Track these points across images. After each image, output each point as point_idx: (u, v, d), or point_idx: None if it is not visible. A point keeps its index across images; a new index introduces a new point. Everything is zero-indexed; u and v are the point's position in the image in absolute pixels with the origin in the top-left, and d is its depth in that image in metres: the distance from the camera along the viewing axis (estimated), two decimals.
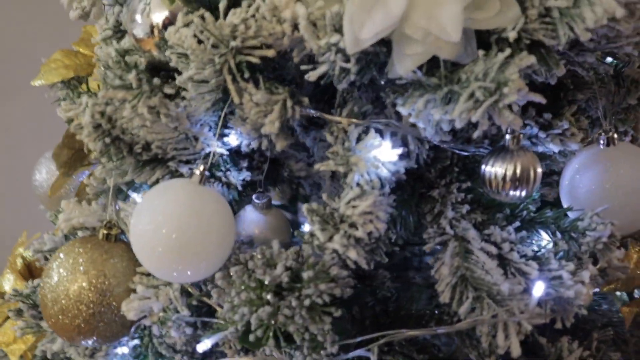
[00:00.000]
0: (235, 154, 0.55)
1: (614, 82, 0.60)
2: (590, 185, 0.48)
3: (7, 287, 0.67)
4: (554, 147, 0.50)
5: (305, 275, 0.42)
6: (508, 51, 0.39)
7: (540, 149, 0.51)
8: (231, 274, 0.44)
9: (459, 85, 0.40)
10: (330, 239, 0.43)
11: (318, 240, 0.43)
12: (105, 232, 0.51)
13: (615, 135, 0.50)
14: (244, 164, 0.56)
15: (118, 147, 0.48)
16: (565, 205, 0.51)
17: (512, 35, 0.39)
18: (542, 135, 0.50)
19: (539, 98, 0.40)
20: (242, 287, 0.43)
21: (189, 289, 0.49)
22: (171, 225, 0.44)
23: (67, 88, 0.66)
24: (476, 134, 0.41)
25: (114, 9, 0.56)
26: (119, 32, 0.56)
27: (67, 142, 0.54)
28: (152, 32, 0.52)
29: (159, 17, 0.51)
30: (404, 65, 0.42)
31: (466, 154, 0.51)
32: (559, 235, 0.48)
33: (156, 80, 0.46)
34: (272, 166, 0.59)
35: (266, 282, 0.42)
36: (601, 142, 0.50)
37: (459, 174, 0.53)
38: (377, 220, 0.44)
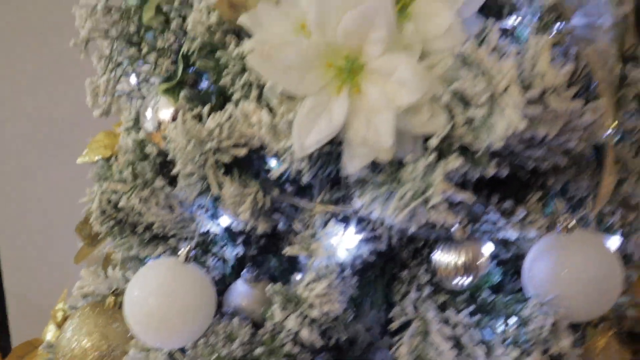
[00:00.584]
0: (231, 231, 0.62)
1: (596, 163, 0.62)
2: (546, 273, 0.50)
3: (49, 337, 0.77)
4: (513, 234, 0.53)
5: (258, 351, 0.47)
6: (433, 156, 0.43)
7: (502, 234, 0.54)
8: (198, 345, 0.50)
9: (399, 184, 0.45)
10: (287, 317, 0.48)
11: (276, 318, 0.49)
12: (112, 299, 0.58)
13: (573, 222, 0.51)
14: (240, 239, 0.62)
15: (122, 228, 0.56)
16: (526, 291, 0.53)
17: (434, 142, 0.43)
18: (502, 222, 0.53)
19: (467, 197, 0.44)
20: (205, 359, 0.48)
21: (175, 354, 0.55)
22: (153, 300, 0.50)
23: (106, 166, 0.76)
24: (411, 231, 0.45)
25: (137, 103, 0.65)
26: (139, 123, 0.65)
27: (89, 218, 0.63)
28: (159, 126, 0.60)
29: (165, 113, 0.59)
30: (352, 164, 0.47)
31: (430, 237, 0.55)
32: (512, 321, 0.50)
33: (149, 175, 0.53)
34: (273, 240, 0.65)
35: (222, 355, 0.48)
36: (558, 229, 0.52)
37: (428, 255, 0.56)
38: (333, 302, 0.49)
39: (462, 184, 0.48)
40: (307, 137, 0.45)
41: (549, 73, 0.40)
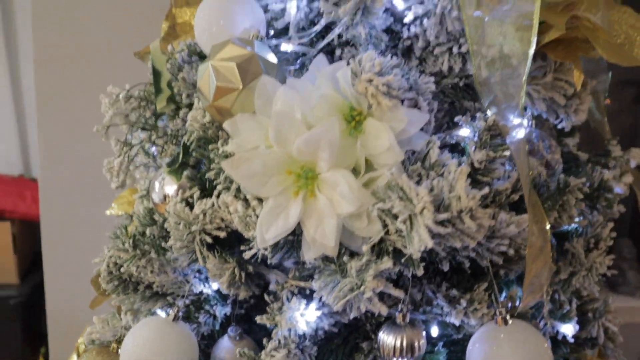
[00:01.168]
0: (221, 292, 0.71)
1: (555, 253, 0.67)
2: None
3: None
4: (455, 321, 0.59)
5: None
6: (365, 258, 0.51)
7: (449, 319, 0.60)
8: None
9: (342, 276, 0.53)
10: None
11: None
12: (115, 345, 0.69)
13: (507, 316, 0.57)
14: (230, 300, 0.71)
15: (126, 286, 0.66)
16: None
17: (365, 248, 0.51)
18: (446, 309, 0.59)
19: (397, 293, 0.51)
20: None
21: None
22: (143, 353, 0.60)
23: (122, 227, 0.87)
24: (352, 315, 0.53)
25: (152, 173, 0.76)
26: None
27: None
28: (164, 199, 0.70)
29: (170, 189, 0.69)
30: (308, 254, 0.55)
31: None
32: None
33: (146, 247, 0.63)
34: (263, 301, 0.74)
35: None
36: (495, 319, 0.58)
37: None
38: None
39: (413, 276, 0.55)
40: (267, 232, 0.54)
41: (463, 196, 0.47)
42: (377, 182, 0.52)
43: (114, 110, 0.68)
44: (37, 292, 1.76)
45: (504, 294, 0.64)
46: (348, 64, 0.54)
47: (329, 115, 0.53)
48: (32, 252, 2.22)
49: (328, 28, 0.61)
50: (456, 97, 0.63)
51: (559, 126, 0.66)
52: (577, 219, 0.69)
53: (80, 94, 1.42)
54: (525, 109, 0.65)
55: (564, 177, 0.61)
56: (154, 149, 0.70)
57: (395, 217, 0.49)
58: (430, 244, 0.46)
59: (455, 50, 0.59)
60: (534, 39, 0.49)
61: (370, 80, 0.51)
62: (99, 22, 1.40)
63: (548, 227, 0.56)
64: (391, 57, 0.56)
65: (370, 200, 0.50)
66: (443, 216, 0.46)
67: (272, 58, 0.59)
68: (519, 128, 0.54)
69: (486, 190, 0.49)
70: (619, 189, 0.71)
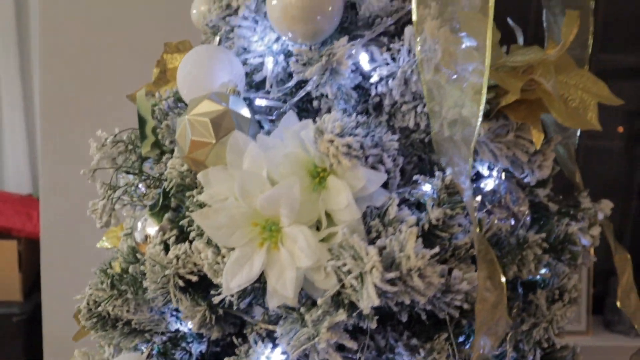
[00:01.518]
0: None
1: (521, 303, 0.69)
2: None
3: None
4: None
5: None
6: (321, 309, 0.53)
7: None
8: None
9: (301, 326, 0.56)
10: None
11: None
12: None
13: None
14: (205, 338, 0.74)
15: (104, 323, 0.69)
16: None
17: (320, 301, 0.53)
18: (406, 358, 0.62)
19: (351, 345, 0.54)
20: None
21: None
22: None
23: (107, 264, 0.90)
24: None
25: (135, 212, 0.79)
26: None
27: None
28: (146, 239, 0.73)
29: (151, 230, 0.73)
30: (271, 302, 0.58)
31: None
32: None
33: (123, 287, 0.67)
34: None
35: None
36: None
37: None
38: None
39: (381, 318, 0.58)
40: (232, 280, 0.57)
41: (412, 256, 0.50)
42: (335, 238, 0.55)
43: (102, 153, 0.72)
44: (40, 310, 1.81)
45: (469, 341, 0.66)
46: (315, 122, 0.57)
47: (293, 172, 0.56)
48: (37, 271, 2.27)
49: (304, 82, 0.65)
50: (424, 151, 0.66)
51: (525, 180, 0.69)
52: (542, 271, 0.71)
53: (83, 116, 1.47)
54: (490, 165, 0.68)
55: (522, 232, 0.63)
56: (140, 189, 0.73)
57: (349, 272, 0.52)
58: (377, 301, 0.49)
59: (419, 108, 0.62)
60: (483, 103, 0.52)
61: (331, 141, 0.54)
62: (103, 52, 1.45)
63: (503, 280, 0.58)
64: (357, 115, 0.60)
65: (327, 255, 0.53)
66: (391, 275, 0.49)
67: (245, 112, 0.62)
68: (469, 190, 0.56)
69: (436, 250, 0.52)
70: (586, 241, 0.73)
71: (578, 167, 0.80)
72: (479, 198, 0.68)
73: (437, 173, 0.59)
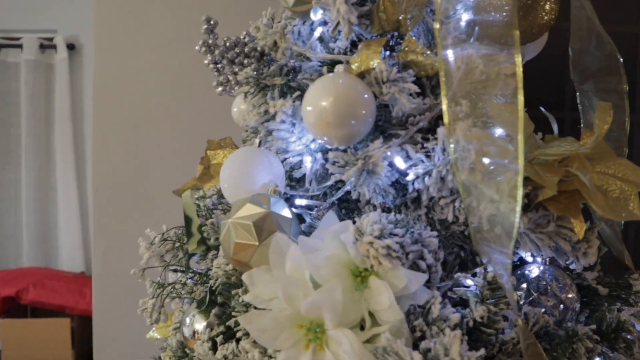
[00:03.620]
0: None
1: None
2: None
3: None
4: None
5: None
6: None
7: None
8: None
9: None
10: None
11: None
12: None
13: None
14: None
15: None
16: None
17: None
18: None
19: None
20: None
21: None
22: None
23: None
24: None
25: (183, 306, 0.81)
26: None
27: None
28: (194, 335, 0.75)
29: (199, 325, 0.74)
30: None
31: None
32: None
33: None
34: None
35: None
36: None
37: None
38: None
39: None
40: None
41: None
42: (379, 339, 0.55)
43: (150, 252, 0.75)
44: None
45: None
46: (354, 222, 0.59)
47: (335, 274, 0.57)
48: (89, 347, 2.31)
49: (342, 180, 0.67)
50: (465, 242, 0.66)
51: (571, 267, 0.68)
52: None
53: (132, 201, 1.53)
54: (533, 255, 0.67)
55: (571, 325, 0.62)
56: (188, 284, 0.75)
57: None
58: None
59: (457, 203, 0.62)
60: (520, 198, 0.52)
61: (371, 243, 0.55)
62: (151, 144, 1.53)
63: None
64: (395, 212, 0.61)
65: (371, 359, 0.53)
66: None
67: (286, 213, 0.64)
68: (509, 285, 0.55)
69: (481, 352, 0.51)
70: None
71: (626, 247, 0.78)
72: (524, 285, 0.68)
73: (477, 269, 0.59)
